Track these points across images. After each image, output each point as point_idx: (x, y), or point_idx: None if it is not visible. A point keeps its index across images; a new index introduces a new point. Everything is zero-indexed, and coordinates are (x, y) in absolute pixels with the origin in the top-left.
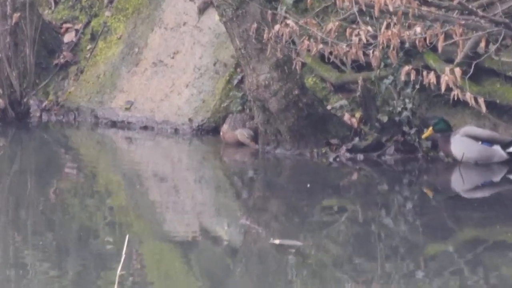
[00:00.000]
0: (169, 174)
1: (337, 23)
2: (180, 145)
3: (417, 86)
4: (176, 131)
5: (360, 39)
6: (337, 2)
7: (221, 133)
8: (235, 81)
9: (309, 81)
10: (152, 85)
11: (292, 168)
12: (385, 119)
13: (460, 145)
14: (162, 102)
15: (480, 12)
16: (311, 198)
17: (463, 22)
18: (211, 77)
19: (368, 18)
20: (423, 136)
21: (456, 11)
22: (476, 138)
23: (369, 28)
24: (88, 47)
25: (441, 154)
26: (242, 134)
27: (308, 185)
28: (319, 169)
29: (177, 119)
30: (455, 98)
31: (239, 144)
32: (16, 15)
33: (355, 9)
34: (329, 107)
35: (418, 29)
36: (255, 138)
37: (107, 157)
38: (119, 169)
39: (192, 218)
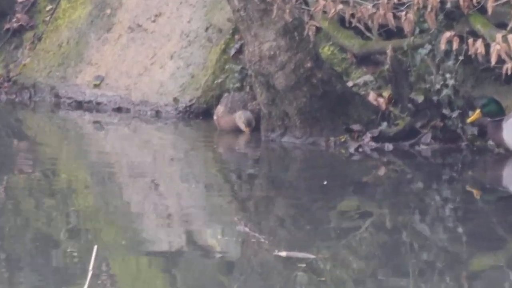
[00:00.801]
0: (149, 169)
1: None
2: (162, 131)
3: (461, 58)
4: (157, 114)
5: None
6: None
7: (214, 117)
8: (232, 51)
9: (325, 51)
10: (128, 56)
11: (303, 161)
12: (420, 99)
13: None
14: (140, 78)
15: None
16: (327, 198)
17: None
18: (202, 46)
19: None
20: (468, 120)
21: None
22: None
23: None
24: (47, 8)
25: (491, 143)
26: (240, 117)
27: (324, 182)
28: (337, 162)
29: (159, 99)
30: (509, 73)
31: (237, 131)
32: None
33: None
34: (350, 84)
35: None
36: (256, 123)
37: (70, 147)
38: (85, 162)
39: (177, 224)
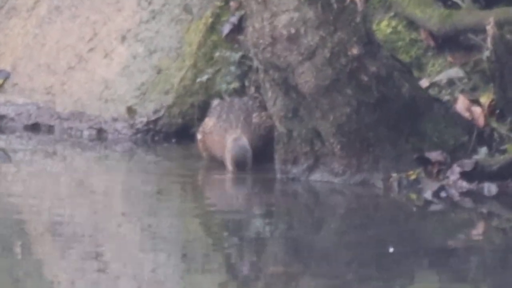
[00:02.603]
0: (86, 229)
1: None
2: (108, 164)
3: None
4: (100, 134)
5: None
6: None
7: (198, 136)
8: (226, 29)
9: (383, 27)
10: (50, 37)
11: (346, 214)
12: None
13: None
14: (71, 74)
15: None
16: (392, 277)
17: None
18: (175, 19)
19: None
20: None
21: None
22: None
23: None
24: None
25: None
26: (228, 150)
27: (390, 250)
28: (404, 216)
29: (103, 110)
30: None
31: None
32: None
33: None
34: (424, 83)
35: None
36: (263, 151)
37: None
38: None
39: None
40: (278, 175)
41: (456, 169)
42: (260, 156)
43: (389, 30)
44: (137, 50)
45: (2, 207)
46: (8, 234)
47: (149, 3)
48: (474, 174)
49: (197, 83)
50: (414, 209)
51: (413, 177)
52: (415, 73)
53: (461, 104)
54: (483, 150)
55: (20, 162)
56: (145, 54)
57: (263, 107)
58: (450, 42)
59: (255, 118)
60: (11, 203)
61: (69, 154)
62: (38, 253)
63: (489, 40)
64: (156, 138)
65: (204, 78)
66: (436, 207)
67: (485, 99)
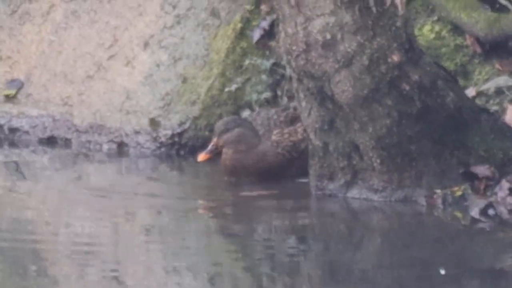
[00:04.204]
0: (107, 254)
1: None
2: (130, 180)
3: None
4: (121, 148)
5: None
6: None
7: (223, 154)
8: (257, 35)
9: (426, 32)
10: (67, 44)
11: (387, 233)
12: None
13: None
14: (89, 84)
15: None
16: None
17: None
18: (201, 24)
19: None
20: None
21: None
22: None
23: None
24: None
25: None
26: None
27: (441, 271)
28: (452, 235)
29: (124, 122)
30: None
31: (268, 175)
32: None
33: None
34: (470, 93)
35: None
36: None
37: None
38: None
39: None
40: (313, 192)
41: (505, 184)
42: (277, 176)
43: (432, 36)
44: (161, 57)
45: (16, 227)
46: (23, 254)
47: (174, 7)
48: None
49: (226, 93)
50: (460, 228)
51: (458, 193)
52: (461, 82)
53: (510, 114)
54: None
55: (34, 179)
56: (169, 62)
57: (289, 122)
58: (498, 48)
59: (275, 135)
60: (26, 221)
61: (86, 170)
62: (55, 274)
63: None
64: (182, 152)
65: (233, 87)
66: (483, 225)
67: None
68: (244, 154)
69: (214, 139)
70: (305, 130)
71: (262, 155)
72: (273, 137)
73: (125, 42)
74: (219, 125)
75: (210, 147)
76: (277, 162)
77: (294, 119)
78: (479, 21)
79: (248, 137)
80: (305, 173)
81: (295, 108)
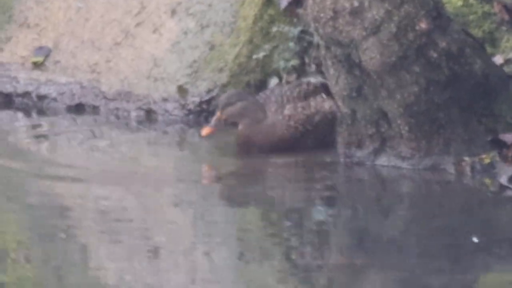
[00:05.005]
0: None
1: None
2: (158, 148)
3: None
4: (149, 116)
5: None
6: None
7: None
8: (284, 1)
9: (453, 0)
10: (94, 11)
11: (415, 201)
12: None
13: None
14: (117, 51)
15: None
16: (470, 270)
17: None
18: None
19: None
20: None
21: None
22: None
23: None
24: None
25: None
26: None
27: (474, 239)
28: (480, 202)
29: (152, 89)
30: None
31: (280, 149)
32: None
33: None
34: (498, 60)
35: None
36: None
37: None
38: (21, 210)
39: None
40: (341, 159)
41: None
42: (290, 150)
43: (460, 3)
44: (188, 25)
45: (46, 192)
46: (53, 221)
47: None
48: None
49: (253, 60)
50: (489, 195)
51: (487, 161)
52: (488, 49)
53: None
54: None
55: (62, 147)
56: (196, 29)
57: (302, 97)
58: None
59: (288, 109)
60: (56, 188)
61: (115, 138)
62: (84, 240)
63: None
64: (209, 119)
65: (261, 55)
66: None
67: None
68: (254, 128)
69: (218, 113)
70: (318, 104)
71: (271, 128)
72: (286, 112)
73: (152, 9)
74: (222, 98)
75: (213, 121)
76: (289, 135)
77: (307, 94)
78: None
79: (251, 111)
80: (321, 146)
81: (308, 84)
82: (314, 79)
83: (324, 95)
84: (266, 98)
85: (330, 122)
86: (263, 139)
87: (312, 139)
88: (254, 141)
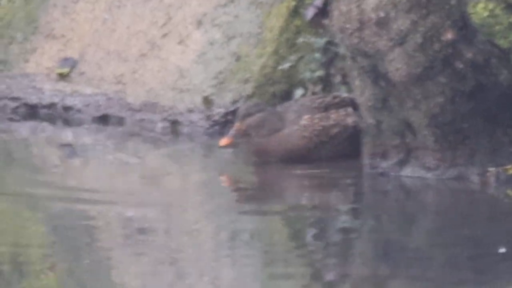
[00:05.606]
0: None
1: None
2: (183, 161)
3: None
4: (174, 127)
5: None
6: None
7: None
8: (310, 13)
9: (480, 10)
10: (120, 22)
11: (441, 211)
12: None
13: None
14: (143, 62)
15: None
16: (495, 281)
17: None
18: (255, 2)
19: None
20: None
21: None
22: None
23: None
24: None
25: None
26: None
27: (501, 250)
28: (505, 213)
29: (178, 101)
30: None
31: (294, 158)
32: None
33: None
34: None
35: None
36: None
37: (15, 198)
38: (44, 221)
39: None
40: (367, 169)
41: None
42: (304, 160)
43: (486, 13)
44: (214, 36)
45: (70, 206)
46: (78, 234)
47: None
48: None
49: (279, 71)
50: None
51: (511, 171)
52: None
53: None
54: None
55: (88, 159)
56: (222, 40)
57: (323, 108)
58: None
59: (305, 119)
60: (81, 200)
61: (142, 149)
62: (108, 253)
63: None
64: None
65: (286, 65)
66: None
67: None
68: (268, 138)
69: (237, 124)
70: (339, 117)
71: (285, 138)
72: (302, 122)
73: (178, 20)
74: (241, 109)
75: (232, 131)
76: (302, 145)
77: (329, 106)
78: None
79: (270, 122)
80: (337, 157)
81: (335, 96)
82: (345, 94)
83: (350, 109)
84: (288, 107)
85: (349, 136)
86: (278, 148)
87: (328, 151)
88: (268, 150)
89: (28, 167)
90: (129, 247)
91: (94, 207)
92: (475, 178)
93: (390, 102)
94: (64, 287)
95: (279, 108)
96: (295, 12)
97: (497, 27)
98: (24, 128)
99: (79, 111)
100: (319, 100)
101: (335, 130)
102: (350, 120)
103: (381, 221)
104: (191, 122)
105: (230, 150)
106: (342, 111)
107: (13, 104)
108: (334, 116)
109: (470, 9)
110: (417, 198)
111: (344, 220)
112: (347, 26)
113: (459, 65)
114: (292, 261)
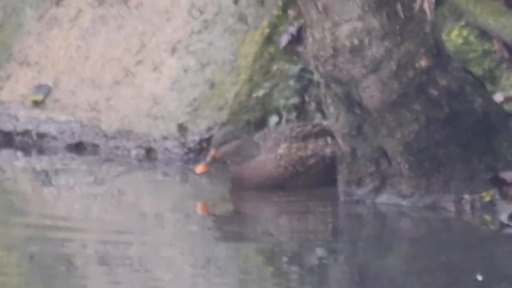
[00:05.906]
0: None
1: None
2: (160, 186)
3: None
4: (149, 154)
5: None
6: None
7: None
8: (284, 40)
9: (454, 37)
10: (95, 49)
11: (416, 239)
12: None
13: None
14: (117, 89)
15: None
16: None
17: None
18: (229, 29)
19: None
20: None
21: None
22: None
23: None
24: None
25: None
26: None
27: (478, 278)
28: (481, 240)
29: (152, 128)
30: None
31: (268, 187)
32: None
33: None
34: (498, 98)
35: None
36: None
37: None
38: (22, 253)
39: None
40: (342, 198)
41: None
42: (279, 188)
43: (460, 41)
44: (189, 63)
45: (45, 236)
46: (53, 262)
47: (201, 13)
48: None
49: (253, 98)
50: (489, 233)
51: (487, 198)
52: (488, 87)
53: None
54: None
55: (62, 185)
56: (197, 67)
57: (301, 138)
58: None
59: (282, 148)
60: (55, 229)
61: (117, 176)
62: (85, 281)
63: None
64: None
65: (261, 93)
66: None
67: None
68: (244, 165)
69: (212, 151)
70: (317, 147)
71: (261, 165)
72: (279, 150)
73: (152, 48)
74: (217, 137)
75: (207, 158)
76: (278, 174)
77: (308, 136)
78: (506, 26)
79: (245, 150)
80: (314, 185)
81: (314, 125)
82: (325, 122)
83: (329, 139)
84: (267, 134)
85: (327, 167)
86: (253, 175)
87: (304, 180)
88: (244, 177)
89: (1, 195)
90: (105, 275)
91: (70, 234)
92: (450, 206)
93: (364, 130)
94: None
95: (257, 135)
96: (269, 39)
97: (471, 55)
98: None
99: (54, 138)
100: (298, 129)
101: (312, 160)
102: (328, 151)
103: (356, 248)
104: (166, 149)
105: (205, 176)
106: (321, 141)
107: None
108: (312, 146)
109: (444, 36)
110: (393, 225)
111: (319, 247)
112: (321, 53)
113: (434, 92)
114: (270, 285)
